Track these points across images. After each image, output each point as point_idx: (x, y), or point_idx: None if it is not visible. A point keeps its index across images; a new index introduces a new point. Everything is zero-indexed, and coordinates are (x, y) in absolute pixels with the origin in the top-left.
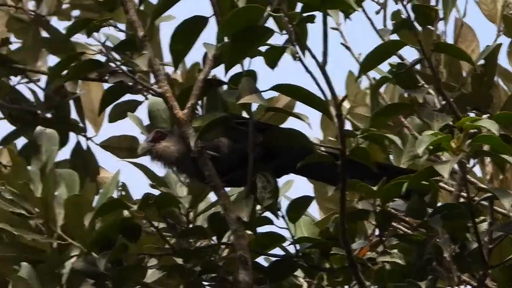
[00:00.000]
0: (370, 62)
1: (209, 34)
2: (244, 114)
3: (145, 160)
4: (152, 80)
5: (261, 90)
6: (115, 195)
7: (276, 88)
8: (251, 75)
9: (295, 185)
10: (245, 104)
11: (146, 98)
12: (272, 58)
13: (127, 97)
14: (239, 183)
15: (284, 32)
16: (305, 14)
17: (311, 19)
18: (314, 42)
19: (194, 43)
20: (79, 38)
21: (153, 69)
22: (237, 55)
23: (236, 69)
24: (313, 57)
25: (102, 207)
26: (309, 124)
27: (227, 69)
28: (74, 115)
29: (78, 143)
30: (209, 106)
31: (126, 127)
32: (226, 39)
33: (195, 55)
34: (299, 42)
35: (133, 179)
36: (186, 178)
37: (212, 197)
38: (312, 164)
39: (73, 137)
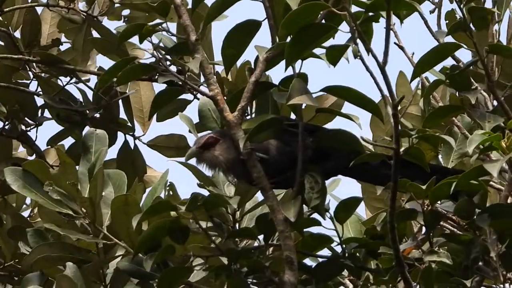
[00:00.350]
0: (425, 63)
1: (261, 37)
2: (294, 116)
3: (193, 159)
4: (202, 79)
5: (312, 91)
6: (162, 194)
7: (327, 89)
8: (302, 77)
9: (342, 184)
10: (295, 105)
11: (196, 97)
12: (334, 56)
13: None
14: (287, 185)
15: (347, 30)
16: (370, 13)
17: (376, 18)
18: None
19: (247, 47)
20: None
21: (204, 72)
22: (297, 53)
23: (287, 72)
24: (374, 57)
25: (149, 209)
26: (359, 124)
27: (287, 66)
28: (122, 114)
29: (125, 142)
30: (260, 109)
31: (175, 126)
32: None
33: (245, 55)
34: (363, 41)
35: (181, 178)
36: (234, 179)
37: (259, 196)
38: (361, 164)
39: (120, 136)
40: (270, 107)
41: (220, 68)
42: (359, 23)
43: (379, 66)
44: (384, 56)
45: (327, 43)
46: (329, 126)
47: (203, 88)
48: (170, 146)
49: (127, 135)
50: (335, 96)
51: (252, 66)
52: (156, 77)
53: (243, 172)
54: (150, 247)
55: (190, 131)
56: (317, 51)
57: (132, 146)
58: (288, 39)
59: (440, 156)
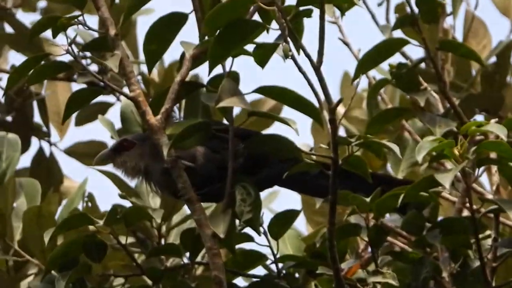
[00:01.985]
0: (368, 61)
1: (189, 32)
2: (225, 120)
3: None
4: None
5: (244, 92)
6: (80, 206)
7: (260, 90)
8: (233, 76)
9: (281, 197)
10: (226, 108)
11: (118, 99)
12: (262, 56)
13: (97, 98)
14: (216, 198)
15: (277, 27)
16: (301, 8)
17: (308, 13)
18: (307, 37)
19: (171, 43)
20: (47, 33)
21: (125, 71)
22: (223, 52)
23: (217, 70)
24: (308, 56)
25: (64, 222)
26: (296, 130)
27: (211, 69)
28: (37, 118)
29: (40, 149)
30: (188, 112)
31: (95, 131)
32: (207, 36)
33: (175, 53)
34: (294, 39)
35: (101, 189)
36: (158, 190)
37: (187, 209)
38: (299, 175)
39: (35, 143)
40: (200, 110)
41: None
42: (289, 19)
43: (313, 66)
44: (318, 55)
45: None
46: (267, 132)
47: (125, 89)
48: (90, 153)
49: (42, 141)
50: (269, 97)
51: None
52: (75, 76)
53: (167, 182)
54: (64, 264)
55: (112, 137)
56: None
57: (47, 153)
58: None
59: (389, 165)
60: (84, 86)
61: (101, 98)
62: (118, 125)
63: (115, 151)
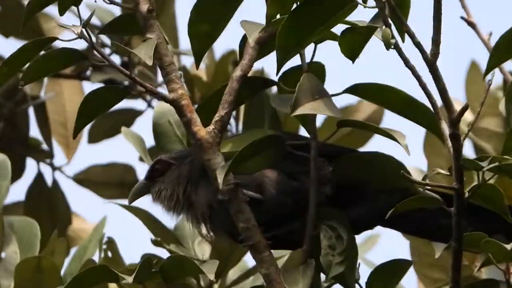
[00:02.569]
0: (505, 49)
1: (252, 9)
2: (304, 132)
3: (145, 202)
4: (161, 78)
5: (331, 93)
6: (96, 257)
7: (354, 89)
8: (317, 70)
9: (382, 242)
10: (306, 116)
11: (150, 106)
12: (353, 44)
13: (120, 104)
14: (293, 243)
15: (373, 3)
16: None
17: None
18: (415, 18)
19: (227, 23)
20: (50, 10)
21: (162, 62)
22: (299, 37)
23: (292, 62)
24: (417, 45)
25: (75, 279)
26: (406, 147)
27: (282, 60)
28: (34, 130)
29: (39, 175)
30: (250, 121)
31: (117, 150)
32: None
33: (228, 39)
34: (397, 19)
35: (126, 232)
36: (209, 232)
37: (249, 261)
38: (410, 212)
39: (31, 166)
40: (268, 119)
41: (188, 61)
42: None
43: (426, 59)
44: (433, 43)
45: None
46: (360, 149)
47: (160, 90)
48: (110, 181)
49: (41, 164)
50: (367, 99)
51: (238, 56)
52: (88, 72)
53: (222, 220)
54: None
55: (141, 159)
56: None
57: (49, 181)
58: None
59: None
60: (102, 85)
61: (125, 103)
62: (150, 141)
63: (150, 178)
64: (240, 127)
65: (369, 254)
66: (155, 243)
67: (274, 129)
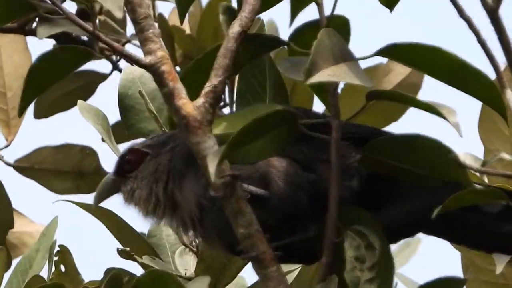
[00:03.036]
0: None
1: None
2: (319, 106)
3: (111, 200)
4: (130, 31)
5: (358, 56)
6: (45, 272)
7: (390, 51)
8: (339, 25)
9: (423, 253)
10: (324, 86)
11: (116, 68)
12: None
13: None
14: (308, 254)
15: None
16: None
17: None
18: None
19: None
20: None
21: (136, 14)
22: None
23: (309, 14)
24: None
25: None
26: (456, 126)
27: (294, 12)
28: None
29: None
30: (249, 92)
31: (70, 128)
32: None
33: None
34: None
35: (84, 239)
36: (196, 238)
37: (248, 277)
38: (462, 212)
39: None
40: (269, 89)
41: (165, 8)
42: None
43: (486, 7)
44: None
45: None
46: (392, 129)
47: (131, 49)
48: (63, 170)
49: None
50: (405, 64)
51: (234, 2)
52: (34, 24)
53: (215, 224)
54: None
55: (103, 139)
56: None
57: None
58: None
59: None
60: (52, 42)
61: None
62: (114, 118)
63: (119, 173)
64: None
65: (406, 268)
66: (123, 254)
67: (280, 103)
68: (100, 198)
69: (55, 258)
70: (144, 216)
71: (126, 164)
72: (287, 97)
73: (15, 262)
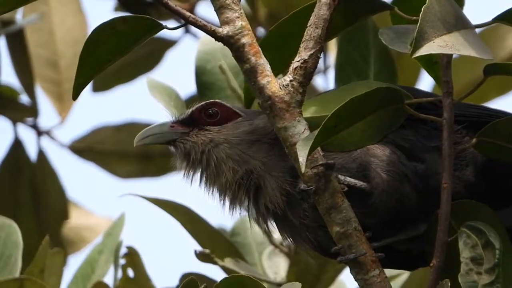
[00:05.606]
0: None
1: None
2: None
3: (186, 192)
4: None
5: (475, 23)
6: (111, 278)
7: (508, 17)
8: None
9: None
10: (433, 59)
11: (188, 31)
12: None
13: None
14: (416, 256)
15: None
16: None
17: None
18: None
19: None
20: None
21: None
22: None
23: None
24: None
25: None
26: None
27: None
28: (8, 74)
29: (17, 143)
30: (350, 65)
31: (135, 102)
32: None
33: None
34: None
35: (155, 238)
36: (285, 237)
37: (348, 282)
38: None
39: (4, 128)
40: (374, 63)
41: None
42: None
43: None
44: None
45: None
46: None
47: (205, 10)
48: (127, 151)
49: (19, 125)
50: None
51: None
52: None
53: (305, 220)
54: None
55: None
56: None
57: (32, 151)
58: None
59: None
60: (111, 5)
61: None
62: (186, 92)
63: (190, 123)
64: (332, 77)
65: None
66: (202, 256)
67: (386, 80)
68: (145, 140)
69: (122, 262)
70: (216, 193)
71: (208, 115)
72: (395, 72)
73: (72, 262)
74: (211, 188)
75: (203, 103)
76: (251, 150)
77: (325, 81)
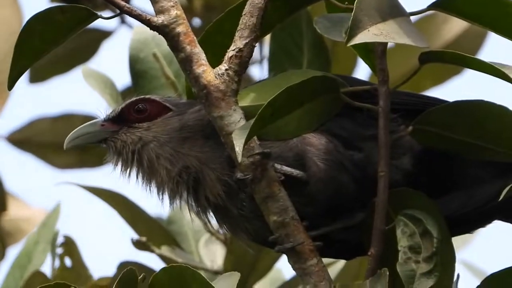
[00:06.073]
0: None
1: None
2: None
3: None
4: None
5: (409, 10)
6: (48, 267)
7: (447, 4)
8: None
9: (492, 235)
10: (369, 47)
11: (123, 21)
12: None
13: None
14: (353, 245)
15: None
16: None
17: None
18: None
19: None
20: None
21: None
22: None
23: None
24: None
25: None
26: None
27: None
28: None
29: None
30: (283, 53)
31: (72, 93)
32: None
33: None
34: None
35: (91, 227)
36: (224, 228)
37: (285, 270)
38: None
39: None
40: (307, 50)
41: None
42: None
43: None
44: None
45: None
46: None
47: (138, 7)
48: (61, 142)
49: None
50: (464, 18)
51: None
52: None
53: (241, 210)
54: None
55: (110, 107)
56: None
57: None
58: None
59: None
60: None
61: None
62: (122, 82)
63: (118, 120)
64: (266, 67)
65: (464, 253)
66: (139, 244)
67: (319, 69)
68: (77, 140)
69: (59, 251)
70: (154, 189)
71: (137, 112)
72: (329, 58)
73: (10, 253)
74: (148, 185)
75: (132, 99)
76: (183, 147)
77: (261, 71)
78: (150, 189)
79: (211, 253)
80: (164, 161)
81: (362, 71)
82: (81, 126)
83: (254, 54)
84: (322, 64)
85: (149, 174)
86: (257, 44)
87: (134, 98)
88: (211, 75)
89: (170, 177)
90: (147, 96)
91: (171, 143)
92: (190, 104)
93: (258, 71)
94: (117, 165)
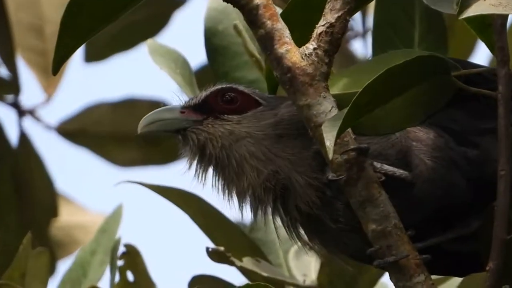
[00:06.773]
0: None
1: None
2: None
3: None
4: None
5: None
6: (107, 283)
7: None
8: None
9: None
10: (485, 21)
11: None
12: None
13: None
14: (468, 258)
15: None
16: None
17: None
18: None
19: None
20: None
21: None
22: None
23: None
24: None
25: None
26: None
27: None
28: None
29: None
30: (390, 25)
31: (135, 74)
32: None
33: None
34: None
35: (158, 234)
36: (316, 243)
37: (391, 285)
38: None
39: None
40: (420, 21)
41: None
42: None
43: None
44: None
45: None
46: None
47: None
48: (126, 134)
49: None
50: None
51: None
52: None
53: (335, 220)
54: None
55: (181, 90)
56: None
57: (14, 135)
58: None
59: None
60: None
61: None
62: (196, 60)
63: (200, 109)
64: (370, 42)
65: None
66: (215, 255)
67: (434, 43)
68: (151, 126)
69: (120, 263)
70: (234, 196)
71: (226, 102)
72: (445, 33)
73: (62, 267)
74: (229, 190)
75: (218, 87)
76: (277, 147)
77: (364, 47)
78: (229, 196)
79: (303, 266)
80: (256, 162)
81: (483, 53)
82: (156, 110)
83: (354, 26)
84: (437, 38)
85: (235, 176)
86: (358, 15)
87: (220, 86)
88: (296, 55)
89: (258, 182)
90: (235, 86)
91: (266, 141)
92: (279, 99)
93: (361, 47)
94: (193, 162)
